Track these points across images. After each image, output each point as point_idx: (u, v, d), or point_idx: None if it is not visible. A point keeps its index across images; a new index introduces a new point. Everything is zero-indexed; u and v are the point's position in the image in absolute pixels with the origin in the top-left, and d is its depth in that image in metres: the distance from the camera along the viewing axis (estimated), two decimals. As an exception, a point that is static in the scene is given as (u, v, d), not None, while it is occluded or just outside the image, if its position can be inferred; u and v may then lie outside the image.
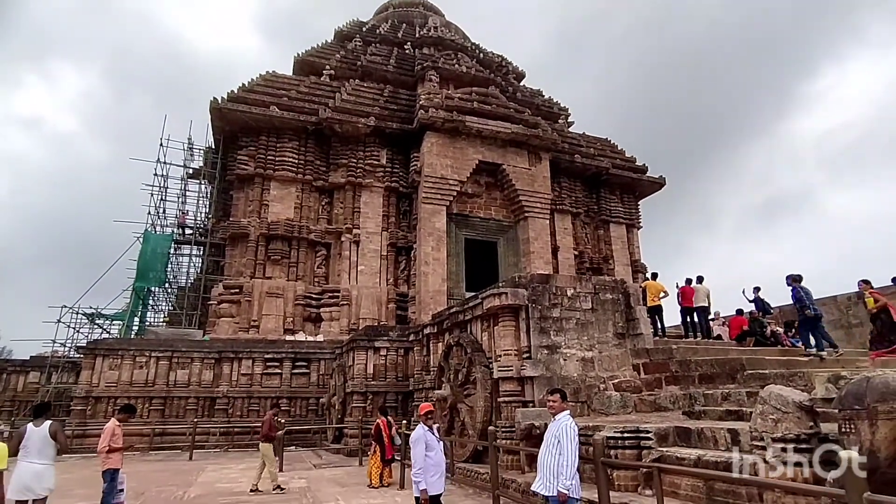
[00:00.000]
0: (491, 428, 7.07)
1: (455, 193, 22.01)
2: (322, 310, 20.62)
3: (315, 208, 22.16)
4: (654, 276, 12.66)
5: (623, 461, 5.61)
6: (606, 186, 27.54)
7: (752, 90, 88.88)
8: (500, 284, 9.27)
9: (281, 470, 11.11)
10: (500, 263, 23.02)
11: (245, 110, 21.24)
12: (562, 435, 3.94)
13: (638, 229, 28.44)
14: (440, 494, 4.03)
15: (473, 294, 10.64)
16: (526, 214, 22.93)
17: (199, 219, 24.20)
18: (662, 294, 11.43)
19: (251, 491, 8.65)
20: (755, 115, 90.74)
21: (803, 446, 4.15)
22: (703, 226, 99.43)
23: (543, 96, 31.10)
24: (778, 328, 11.28)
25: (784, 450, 4.19)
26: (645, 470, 5.70)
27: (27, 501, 5.24)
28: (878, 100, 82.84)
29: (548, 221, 23.62)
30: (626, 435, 6.03)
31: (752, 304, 12.47)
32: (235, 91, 22.19)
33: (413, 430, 4.86)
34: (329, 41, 29.95)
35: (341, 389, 15.07)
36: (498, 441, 7.96)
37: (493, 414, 8.74)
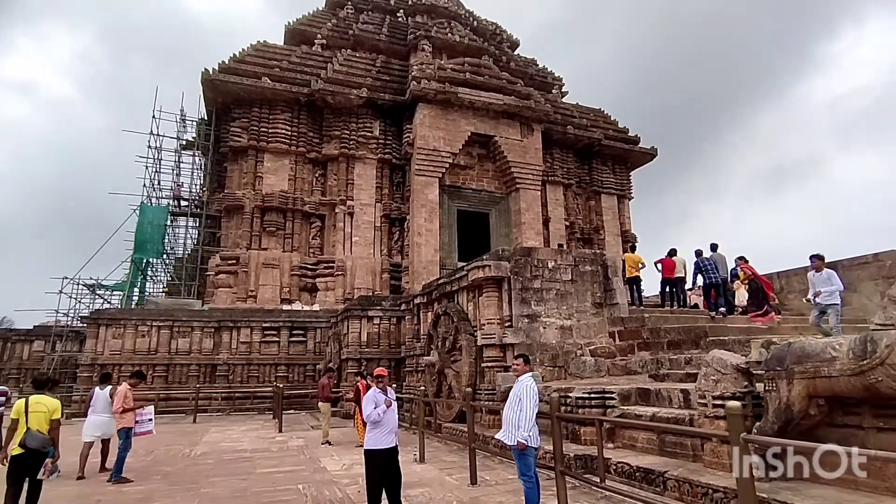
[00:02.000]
0: (468, 390, 7.67)
1: (448, 165, 22.26)
2: (318, 280, 21.15)
3: (309, 180, 22.41)
4: (633, 248, 13.17)
5: (577, 416, 6.24)
6: (598, 157, 27.76)
7: (769, 52, 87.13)
8: (485, 257, 9.75)
9: (280, 431, 11.85)
10: (492, 234, 23.49)
11: (237, 82, 21.23)
12: (522, 393, 4.48)
13: (629, 200, 28.83)
14: (390, 448, 4.55)
15: (460, 265, 11.13)
16: (518, 186, 23.25)
17: (193, 190, 24.42)
18: (640, 265, 11.96)
19: (323, 443, 9.59)
20: (770, 78, 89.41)
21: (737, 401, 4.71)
22: (708, 192, 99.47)
23: (537, 65, 30.94)
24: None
25: (720, 405, 4.76)
26: (607, 426, 6.33)
27: (93, 443, 7.14)
28: (895, 62, 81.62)
29: (539, 193, 23.95)
30: (592, 395, 6.63)
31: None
32: (227, 62, 22.09)
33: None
34: (320, 9, 29.46)
35: (337, 356, 15.74)
36: (481, 402, 8.61)
37: (478, 378, 9.36)
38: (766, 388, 4.35)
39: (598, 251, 14.10)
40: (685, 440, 5.37)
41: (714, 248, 11.53)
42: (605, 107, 30.62)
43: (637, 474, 5.15)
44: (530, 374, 4.69)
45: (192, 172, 24.89)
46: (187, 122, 24.69)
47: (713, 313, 10.41)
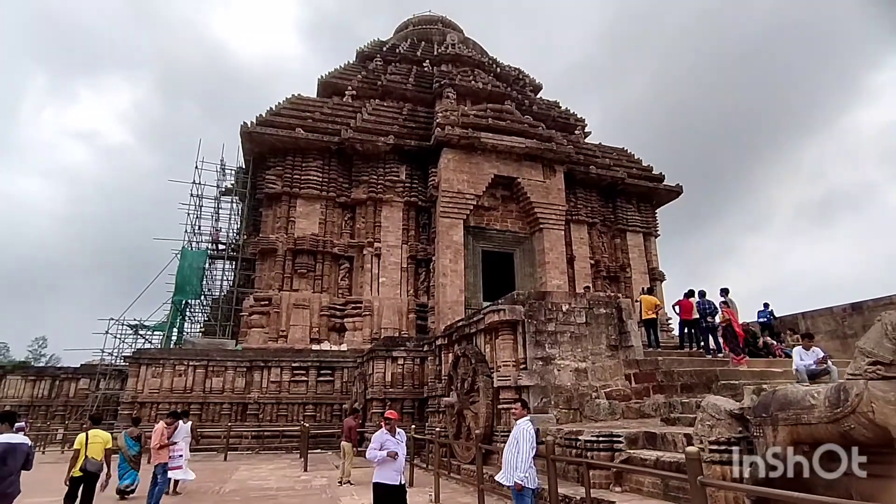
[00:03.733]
0: (483, 431, 7.90)
1: (472, 207, 22.89)
2: (346, 320, 21.76)
3: (338, 223, 23.38)
4: (650, 290, 13.27)
5: (568, 457, 6.41)
6: (623, 196, 27.96)
7: (812, 85, 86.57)
8: (500, 301, 10.10)
9: (306, 470, 12.18)
10: (517, 274, 23.76)
11: (273, 133, 22.68)
12: (519, 436, 4.77)
13: (655, 237, 28.71)
14: (397, 485, 4.86)
15: (485, 306, 11.46)
16: (541, 226, 23.62)
17: (230, 235, 25.75)
18: (657, 307, 12.04)
19: (339, 483, 10.04)
20: (814, 110, 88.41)
21: (732, 447, 4.87)
22: (752, 226, 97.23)
23: (560, 108, 31.76)
24: (771, 340, 11.74)
25: (715, 450, 4.93)
26: (615, 469, 6.46)
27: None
28: None
29: (563, 232, 24.22)
30: (600, 438, 6.79)
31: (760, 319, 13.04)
32: (264, 115, 23.68)
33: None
34: (351, 62, 31.36)
35: (362, 396, 16.08)
36: (497, 444, 8.79)
37: (494, 420, 9.55)
38: (755, 433, 4.53)
39: (616, 293, 14.25)
40: (686, 484, 5.48)
41: (702, 294, 11.59)
42: (643, 145, 31.44)
43: (639, 518, 5.28)
44: (527, 417, 4.98)
45: (230, 218, 26.35)
46: (227, 170, 26.28)
47: (709, 356, 10.70)
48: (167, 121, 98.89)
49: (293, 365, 18.92)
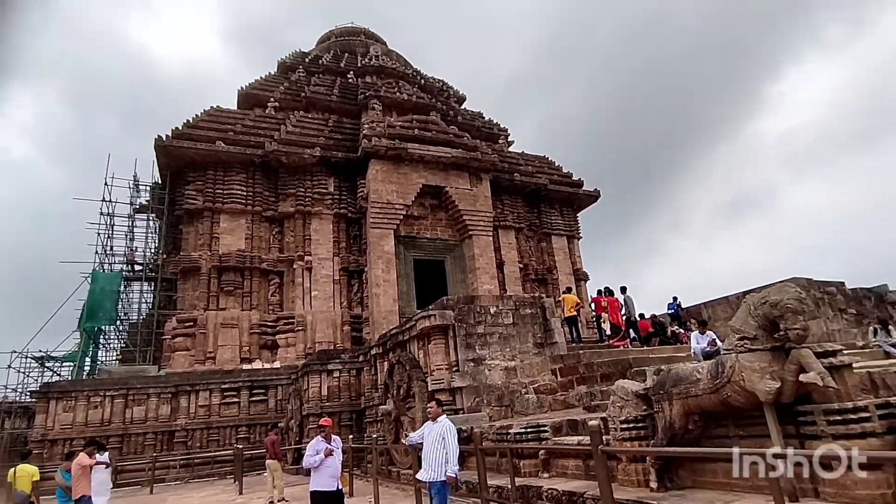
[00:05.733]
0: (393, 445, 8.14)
1: (402, 217, 23.13)
2: (278, 337, 21.20)
3: (266, 238, 22.79)
4: (570, 290, 14.20)
5: (497, 447, 6.86)
6: (546, 201, 29.32)
7: (723, 95, 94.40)
8: (431, 308, 10.42)
9: (241, 493, 11.81)
10: (449, 280, 24.24)
11: (191, 146, 21.76)
12: (446, 433, 5.04)
13: (578, 240, 30.32)
14: (333, 491, 5.04)
15: (419, 313, 11.72)
16: (470, 233, 24.28)
17: (147, 255, 24.32)
18: (578, 305, 12.90)
19: (270, 502, 9.78)
20: (724, 118, 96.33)
21: (639, 424, 5.45)
22: (674, 226, 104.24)
23: (483, 118, 32.81)
24: (679, 329, 12.95)
25: (625, 428, 5.49)
26: (542, 458, 6.94)
27: None
28: (833, 99, 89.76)
29: (491, 238, 25.03)
30: (528, 429, 7.25)
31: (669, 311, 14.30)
32: (180, 127, 22.68)
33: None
34: (272, 73, 30.72)
35: (298, 413, 15.78)
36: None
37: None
38: (655, 409, 5.12)
39: (539, 295, 15.04)
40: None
41: (623, 290, 12.70)
42: (576, 153, 32.89)
43: (564, 498, 5.74)
44: (445, 415, 5.26)
45: (147, 236, 24.87)
46: (141, 186, 24.83)
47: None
48: (77, 134, 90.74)
49: (223, 387, 18.19)
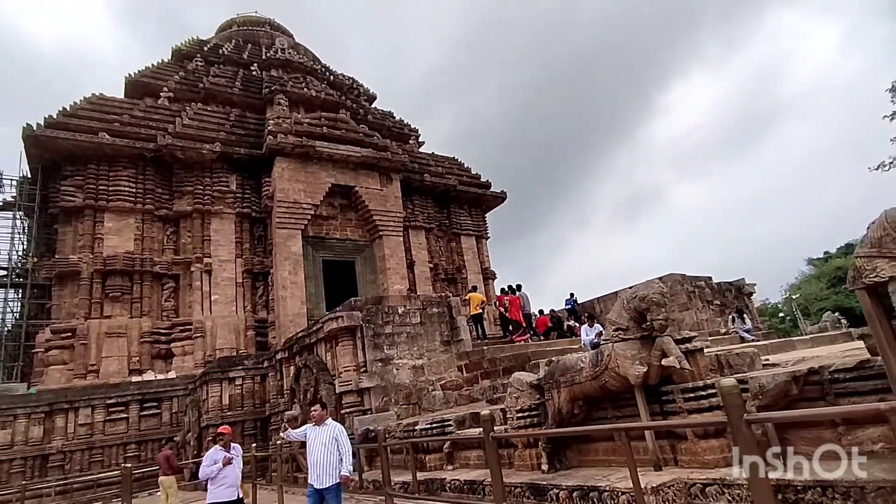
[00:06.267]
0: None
1: (310, 217, 22.53)
2: (173, 345, 19.75)
3: (159, 238, 21.14)
4: (475, 288, 14.82)
5: (400, 442, 7.05)
6: (456, 202, 30.00)
7: (621, 100, 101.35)
8: (338, 309, 10.34)
9: (130, 515, 10.90)
10: (359, 281, 24.01)
11: (68, 137, 19.62)
12: (339, 434, 4.98)
13: (486, 239, 31.38)
14: (231, 501, 4.91)
15: (324, 316, 11.54)
16: (381, 233, 24.22)
17: (14, 258, 21.54)
18: (482, 303, 13.46)
19: None
20: (621, 123, 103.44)
21: (533, 412, 5.87)
22: (580, 223, 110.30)
23: (394, 118, 32.87)
24: (575, 323, 13.96)
25: (521, 417, 5.88)
26: (446, 451, 7.20)
27: None
28: (713, 109, 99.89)
29: (402, 238, 25.15)
30: (433, 425, 7.49)
31: (567, 307, 15.30)
32: (56, 116, 20.35)
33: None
34: (166, 60, 28.53)
35: (196, 425, 14.86)
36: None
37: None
38: (545, 397, 5.55)
39: (446, 294, 15.48)
40: (503, 451, 6.41)
41: (519, 287, 13.57)
42: (485, 152, 33.90)
43: (465, 487, 6.03)
44: (330, 419, 5.23)
45: (12, 237, 21.97)
46: (4, 180, 21.94)
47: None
48: None
49: (108, 402, 16.63)
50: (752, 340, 10.48)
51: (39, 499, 14.71)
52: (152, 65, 27.09)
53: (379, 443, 5.41)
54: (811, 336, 11.39)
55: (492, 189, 31.73)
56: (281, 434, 5.46)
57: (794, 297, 40.75)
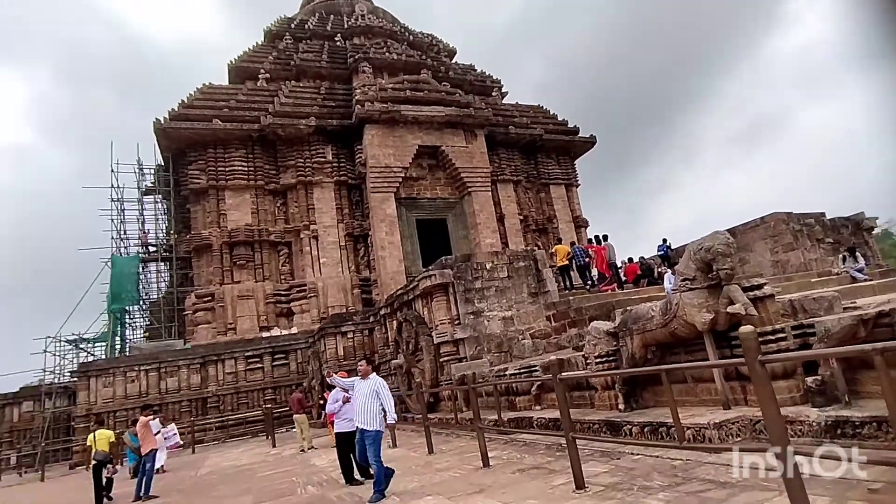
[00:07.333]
0: (426, 384, 9.12)
1: (401, 179, 23.65)
2: (292, 304, 22.30)
3: (271, 210, 23.52)
4: (560, 241, 14.92)
5: (482, 384, 7.77)
6: (542, 151, 29.56)
7: (731, 16, 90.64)
8: (431, 268, 11.22)
9: (274, 446, 13.10)
10: (452, 237, 24.98)
11: (188, 127, 22.21)
12: (380, 388, 5.61)
13: (576, 187, 30.74)
14: (351, 431, 5.83)
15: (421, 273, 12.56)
16: (469, 189, 24.80)
17: (160, 235, 25.21)
18: (569, 255, 13.63)
19: (301, 451, 10.86)
20: (735, 42, 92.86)
21: (610, 357, 6.30)
22: (683, 160, 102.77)
23: (475, 71, 32.57)
24: (667, 269, 13.64)
25: (599, 362, 6.35)
26: (534, 394, 7.89)
27: None
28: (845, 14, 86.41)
29: (490, 193, 25.54)
30: (521, 370, 8.18)
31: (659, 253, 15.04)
32: (176, 108, 23.03)
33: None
34: (260, 43, 30.51)
35: (318, 373, 16.97)
36: (442, 393, 10.09)
37: (438, 372, 10.82)
38: (620, 344, 5.95)
39: (532, 248, 15.77)
40: (584, 393, 6.96)
41: (605, 238, 13.54)
42: (569, 100, 32.79)
43: (550, 423, 6.68)
44: (374, 373, 5.89)
45: (157, 218, 25.67)
46: (145, 170, 25.45)
47: (588, 287, 13.43)
48: (77, 114, 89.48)
49: (246, 354, 19.44)
50: (865, 280, 9.76)
51: (204, 432, 17.92)
52: (249, 49, 29.16)
53: (468, 385, 6.20)
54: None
55: (580, 135, 30.74)
56: (327, 378, 6.34)
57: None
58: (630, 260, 14.46)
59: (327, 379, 6.16)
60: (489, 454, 5.75)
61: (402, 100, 24.03)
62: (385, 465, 5.23)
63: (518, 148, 28.68)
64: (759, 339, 4.62)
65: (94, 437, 8.75)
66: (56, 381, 22.18)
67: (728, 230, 13.37)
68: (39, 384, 22.90)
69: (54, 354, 21.64)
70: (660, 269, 13.55)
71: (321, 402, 14.08)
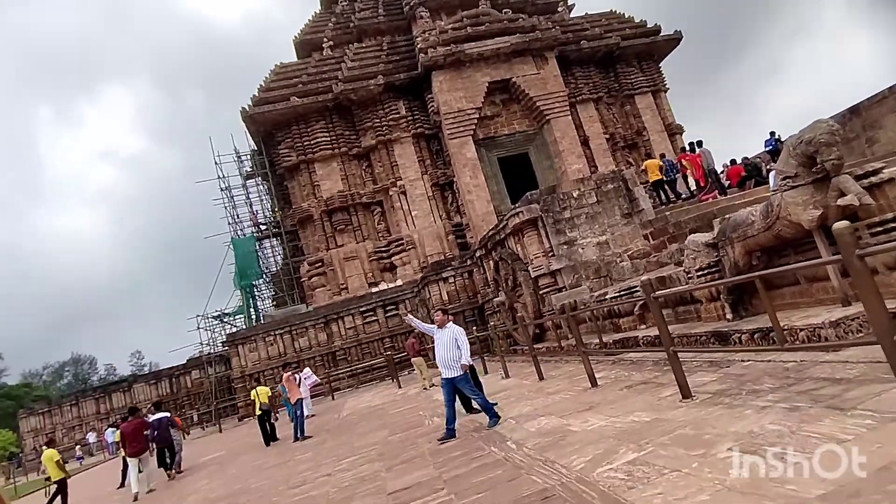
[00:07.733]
0: (529, 317, 9.44)
1: (476, 120, 23.38)
2: (393, 258, 23.57)
3: (358, 174, 24.57)
4: (649, 155, 14.01)
5: (579, 311, 7.83)
6: (622, 60, 27.37)
7: None
8: (517, 205, 11.30)
9: (400, 387, 14.43)
10: (536, 169, 24.49)
11: (270, 110, 23.52)
12: (458, 335, 5.95)
13: (665, 92, 28.32)
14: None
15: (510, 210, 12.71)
16: (547, 118, 23.92)
17: (267, 214, 27.56)
18: (661, 168, 12.85)
19: (424, 389, 12.00)
20: None
21: (713, 269, 6.14)
22: (795, 34, 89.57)
23: (536, -12, 30.43)
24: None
25: (700, 275, 6.21)
26: (637, 312, 7.91)
27: None
28: None
29: (570, 117, 24.43)
30: (622, 292, 8.20)
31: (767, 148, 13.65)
32: (257, 94, 24.42)
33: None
34: (318, 11, 30.86)
35: (427, 319, 18.10)
36: (546, 324, 10.40)
37: (540, 304, 11.12)
38: (721, 255, 5.76)
39: (619, 168, 15.08)
40: (689, 307, 6.87)
41: (700, 143, 12.46)
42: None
43: (656, 341, 6.74)
44: (451, 322, 6.12)
45: (261, 198, 27.99)
46: (242, 157, 27.60)
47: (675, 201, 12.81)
48: (176, 113, 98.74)
49: (361, 310, 21.13)
50: None
51: (338, 381, 20.08)
52: (309, 20, 29.61)
53: (567, 314, 6.42)
54: None
55: (662, 34, 27.91)
56: (403, 318, 6.76)
57: None
58: (733, 162, 13.28)
59: (404, 319, 6.68)
60: (597, 375, 6.00)
61: (464, 38, 23.34)
62: (490, 401, 5.70)
63: (594, 62, 26.82)
64: (878, 229, 4.31)
65: (257, 392, 10.40)
66: (212, 351, 25.83)
67: (850, 108, 11.87)
68: (200, 355, 26.91)
69: (205, 329, 25.11)
70: (768, 167, 12.38)
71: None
